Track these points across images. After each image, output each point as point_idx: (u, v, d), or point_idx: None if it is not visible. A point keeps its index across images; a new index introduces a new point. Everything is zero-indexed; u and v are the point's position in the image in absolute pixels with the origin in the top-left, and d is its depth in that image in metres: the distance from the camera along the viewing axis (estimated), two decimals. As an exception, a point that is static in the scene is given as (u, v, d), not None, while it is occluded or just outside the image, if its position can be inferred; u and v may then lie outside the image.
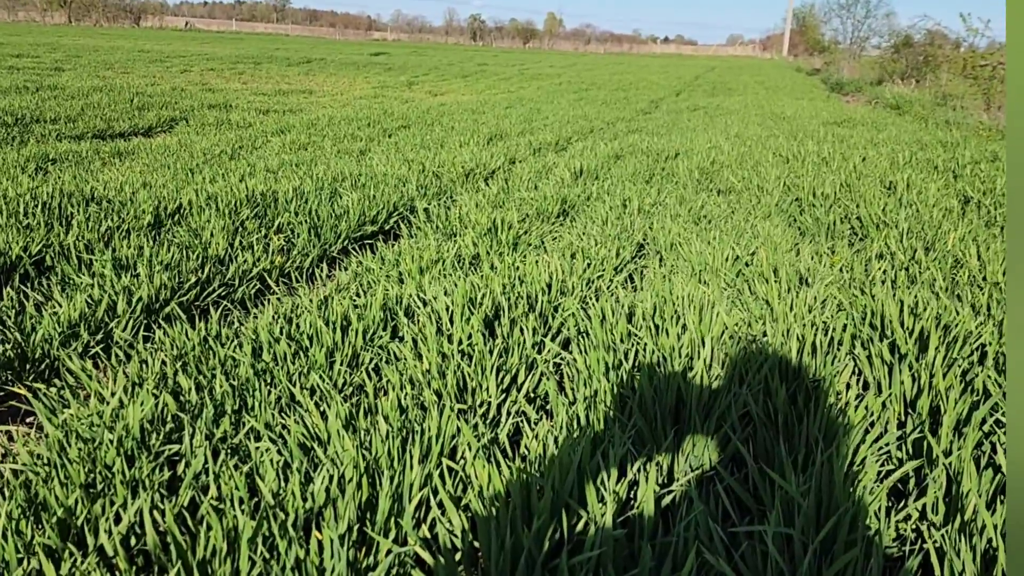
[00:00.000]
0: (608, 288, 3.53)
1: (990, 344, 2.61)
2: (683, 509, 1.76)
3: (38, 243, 3.64)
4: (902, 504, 1.87)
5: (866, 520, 1.70)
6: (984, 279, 3.49)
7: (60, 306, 2.97)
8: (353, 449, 1.84)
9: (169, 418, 2.14)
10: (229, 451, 2.05)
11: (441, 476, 1.85)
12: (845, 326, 2.76)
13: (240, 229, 4.29)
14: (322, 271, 3.99)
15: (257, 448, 2.00)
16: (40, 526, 1.67)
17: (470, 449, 1.90)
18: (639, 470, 1.87)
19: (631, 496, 1.83)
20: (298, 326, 2.81)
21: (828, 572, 1.51)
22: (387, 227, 4.97)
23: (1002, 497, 1.78)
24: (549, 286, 3.33)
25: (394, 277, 3.61)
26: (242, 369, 2.44)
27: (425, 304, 3.12)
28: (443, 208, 5.14)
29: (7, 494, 1.79)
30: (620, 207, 5.39)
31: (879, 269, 3.59)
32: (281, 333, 2.74)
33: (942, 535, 1.72)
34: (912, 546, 1.79)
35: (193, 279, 3.38)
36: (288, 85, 16.68)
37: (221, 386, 2.33)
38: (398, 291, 3.25)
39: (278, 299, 3.35)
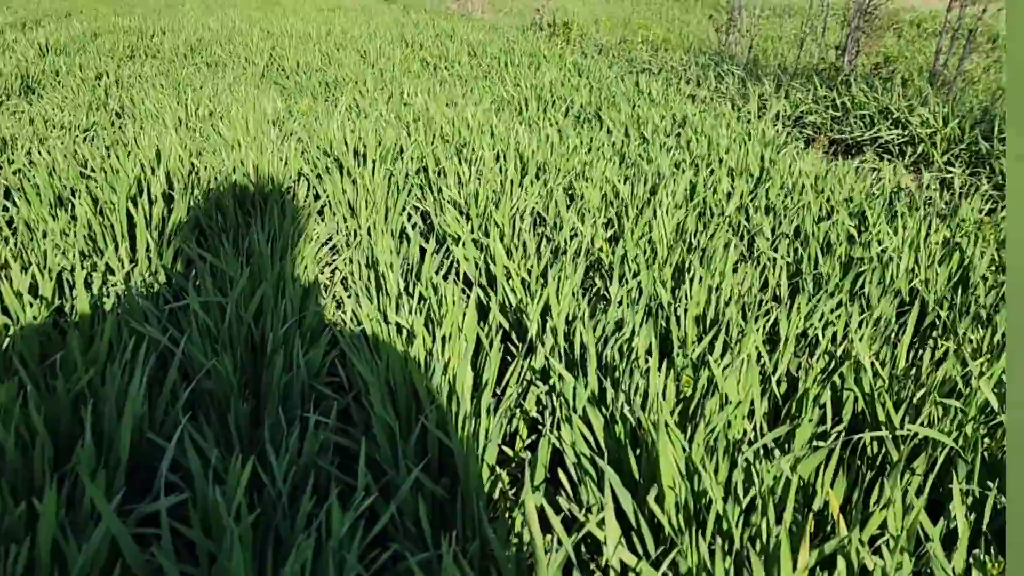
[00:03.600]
0: (75, 151, 3.29)
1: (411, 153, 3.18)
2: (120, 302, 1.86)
3: None
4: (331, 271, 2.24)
5: (293, 284, 2.02)
6: (413, 98, 4.16)
7: None
8: None
9: None
10: None
11: None
12: (301, 152, 3.08)
13: None
14: None
15: None
16: None
17: None
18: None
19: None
20: None
21: (247, 315, 1.78)
22: None
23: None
24: None
25: None
26: None
27: None
28: None
29: None
30: (94, 80, 4.98)
31: (347, 117, 4.01)
32: None
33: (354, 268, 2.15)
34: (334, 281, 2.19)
35: None
36: None
37: None
38: None
39: None
